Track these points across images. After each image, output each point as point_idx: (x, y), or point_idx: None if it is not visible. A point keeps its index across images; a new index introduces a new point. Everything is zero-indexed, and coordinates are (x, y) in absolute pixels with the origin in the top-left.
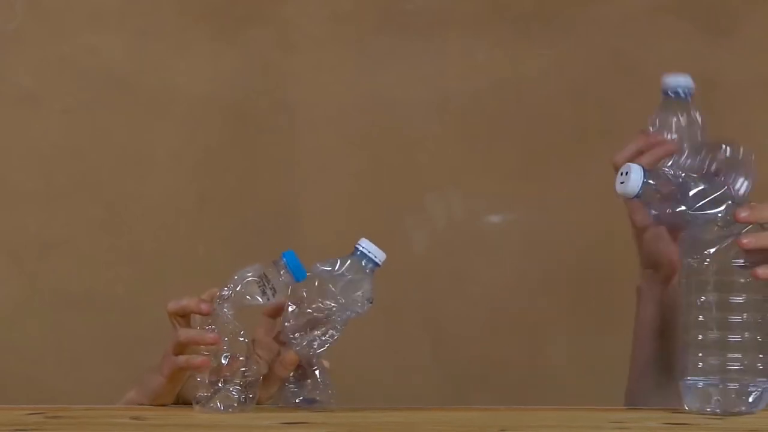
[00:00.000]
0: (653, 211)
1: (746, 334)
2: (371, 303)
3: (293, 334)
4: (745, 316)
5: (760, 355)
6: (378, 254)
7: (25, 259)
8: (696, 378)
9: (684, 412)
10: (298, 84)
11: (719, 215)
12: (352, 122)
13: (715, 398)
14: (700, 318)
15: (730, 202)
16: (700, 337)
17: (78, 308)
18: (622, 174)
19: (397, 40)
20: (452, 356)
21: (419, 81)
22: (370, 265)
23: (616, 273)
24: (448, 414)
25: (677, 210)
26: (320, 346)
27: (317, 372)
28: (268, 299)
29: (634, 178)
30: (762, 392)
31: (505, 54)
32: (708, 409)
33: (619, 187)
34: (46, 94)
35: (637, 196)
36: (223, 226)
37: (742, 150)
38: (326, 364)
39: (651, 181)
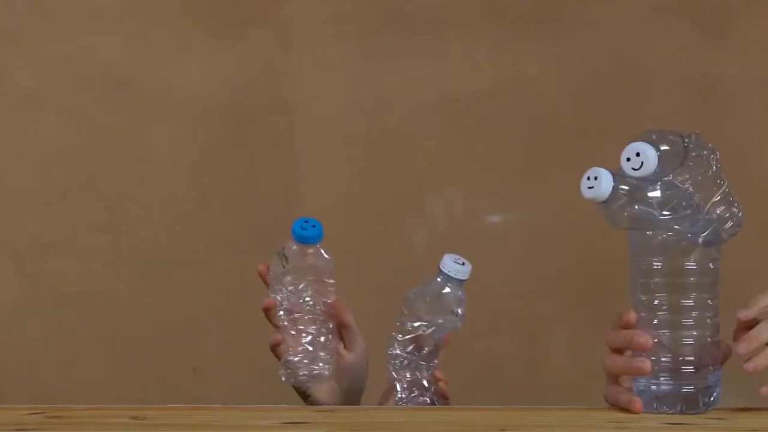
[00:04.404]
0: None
1: (695, 333)
2: (464, 315)
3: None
4: (695, 315)
5: (711, 355)
6: (460, 271)
7: (25, 259)
8: (649, 379)
9: (684, 411)
10: (298, 84)
11: (673, 219)
12: (352, 122)
13: (671, 399)
14: (654, 321)
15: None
16: (655, 339)
17: (78, 308)
18: (590, 179)
19: (397, 40)
20: (452, 356)
21: (419, 81)
22: (456, 282)
23: (616, 273)
24: (448, 414)
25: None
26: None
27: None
28: (284, 266)
29: (605, 182)
30: (715, 390)
31: (505, 54)
32: (664, 410)
33: (587, 192)
34: (46, 94)
35: (606, 201)
36: (223, 226)
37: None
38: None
39: (621, 186)
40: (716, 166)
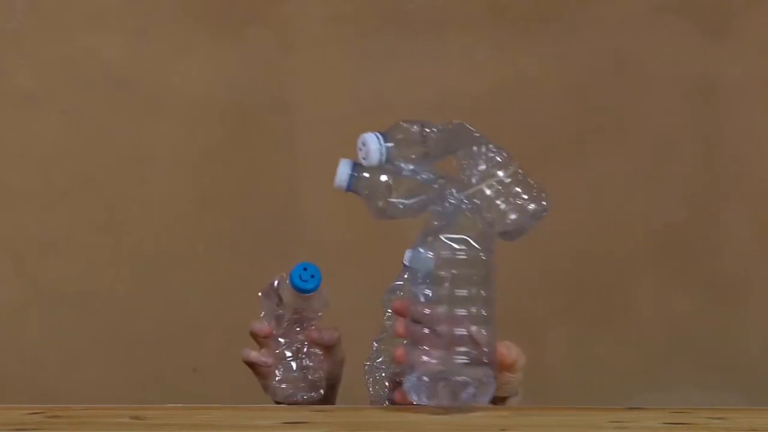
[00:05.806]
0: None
1: (472, 328)
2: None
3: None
4: (473, 310)
5: (485, 349)
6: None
7: (25, 259)
8: (421, 372)
9: (684, 411)
10: (298, 84)
11: (437, 206)
12: (352, 122)
13: (442, 392)
14: (427, 311)
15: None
16: (426, 330)
17: (78, 308)
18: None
19: (397, 40)
20: None
21: (419, 81)
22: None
23: (614, 273)
24: (448, 414)
25: (390, 201)
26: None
27: None
28: (276, 304)
29: (341, 171)
30: (487, 385)
31: (505, 54)
32: (433, 403)
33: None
34: (46, 94)
35: (348, 189)
36: (223, 226)
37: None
38: None
39: (361, 174)
40: (484, 157)
